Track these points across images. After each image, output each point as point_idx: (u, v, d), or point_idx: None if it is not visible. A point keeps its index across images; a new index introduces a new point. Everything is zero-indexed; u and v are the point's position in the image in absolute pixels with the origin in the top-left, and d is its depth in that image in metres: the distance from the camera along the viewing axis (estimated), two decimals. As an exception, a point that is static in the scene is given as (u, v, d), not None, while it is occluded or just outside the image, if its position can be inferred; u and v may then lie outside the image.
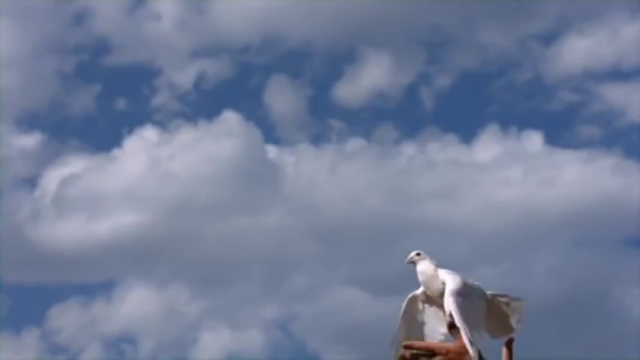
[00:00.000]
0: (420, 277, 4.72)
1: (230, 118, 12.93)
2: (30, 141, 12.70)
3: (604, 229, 11.71)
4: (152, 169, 12.31)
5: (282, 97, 13.16)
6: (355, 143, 12.77)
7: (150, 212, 11.86)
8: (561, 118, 13.00)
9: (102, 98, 13.06)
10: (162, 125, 12.90)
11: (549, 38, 13.42)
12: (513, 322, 4.62)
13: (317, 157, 12.67)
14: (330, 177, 12.25)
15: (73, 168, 12.28)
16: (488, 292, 4.48)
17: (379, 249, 11.34)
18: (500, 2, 13.02)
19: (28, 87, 13.05)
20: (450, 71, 13.07)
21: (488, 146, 12.64)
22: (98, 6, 13.09)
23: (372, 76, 13.01)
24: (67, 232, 11.64)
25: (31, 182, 12.50)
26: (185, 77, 13.15)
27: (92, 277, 12.03)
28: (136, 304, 11.73)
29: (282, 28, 13.18)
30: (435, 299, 4.39)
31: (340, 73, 13.45)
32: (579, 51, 13.03)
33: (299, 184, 12.13)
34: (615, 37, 13.15)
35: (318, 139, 13.08)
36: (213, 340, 11.43)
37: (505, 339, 4.53)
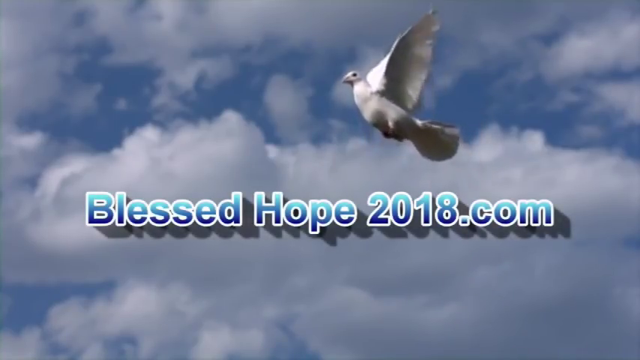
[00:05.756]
0: (356, 100, 4.82)
1: (230, 118, 12.94)
2: (30, 141, 12.72)
3: (604, 229, 11.72)
4: (153, 169, 12.32)
5: (283, 97, 13.18)
6: (356, 143, 12.77)
7: (150, 212, 11.82)
8: (562, 118, 13.02)
9: (102, 98, 13.08)
10: (162, 125, 12.91)
11: (550, 38, 13.43)
12: (451, 146, 4.79)
13: (317, 157, 12.68)
14: (331, 177, 12.25)
15: (73, 168, 12.29)
16: (419, 122, 4.62)
17: (379, 249, 11.34)
18: (500, 2, 13.03)
19: (28, 87, 13.07)
20: (451, 71, 13.08)
21: (489, 146, 12.65)
22: (99, 6, 13.11)
23: (372, 76, 12.99)
24: (68, 232, 11.64)
25: (31, 182, 12.51)
26: (186, 77, 13.17)
27: (92, 277, 12.03)
28: (136, 304, 11.73)
29: (283, 28, 13.19)
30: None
31: (341, 73, 13.42)
32: (580, 51, 13.04)
33: (299, 184, 12.14)
34: (616, 37, 13.16)
35: (318, 139, 13.08)
36: (214, 340, 11.44)
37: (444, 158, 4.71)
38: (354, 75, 4.70)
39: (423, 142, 4.65)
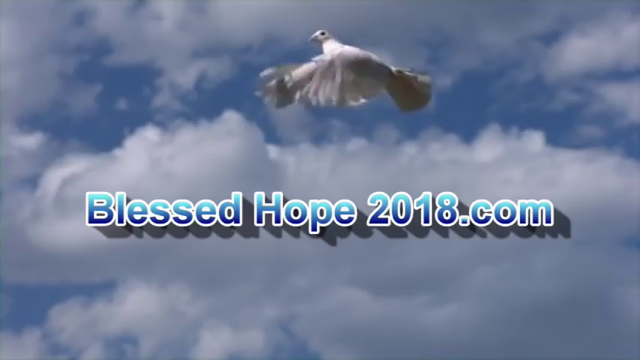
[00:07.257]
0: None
1: (231, 118, 12.93)
2: (31, 141, 12.71)
3: (605, 229, 11.70)
4: (153, 169, 12.32)
5: (283, 97, 13.14)
6: (356, 143, 12.77)
7: (150, 212, 11.82)
8: (562, 118, 13.00)
9: (103, 98, 13.07)
10: (163, 125, 12.90)
11: (550, 38, 13.42)
12: (423, 93, 4.81)
13: (318, 157, 12.67)
14: (331, 177, 12.25)
15: (74, 168, 12.27)
16: (393, 68, 4.64)
17: (379, 249, 11.34)
18: (500, 2, 13.03)
19: (28, 87, 13.06)
20: (451, 71, 13.07)
21: (489, 146, 12.65)
22: (99, 6, 13.10)
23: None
24: (68, 232, 11.63)
25: (32, 182, 12.49)
26: (186, 77, 13.16)
27: (93, 277, 12.02)
28: (136, 304, 11.72)
29: (283, 28, 13.19)
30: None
31: (341, 73, 13.42)
32: (580, 51, 13.04)
33: (299, 184, 12.13)
34: (616, 37, 13.15)
35: (319, 139, 13.06)
36: (214, 340, 11.44)
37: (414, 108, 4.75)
38: (323, 34, 4.68)
39: (398, 88, 4.66)
